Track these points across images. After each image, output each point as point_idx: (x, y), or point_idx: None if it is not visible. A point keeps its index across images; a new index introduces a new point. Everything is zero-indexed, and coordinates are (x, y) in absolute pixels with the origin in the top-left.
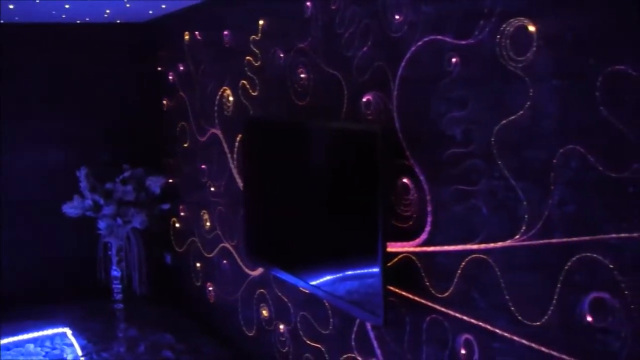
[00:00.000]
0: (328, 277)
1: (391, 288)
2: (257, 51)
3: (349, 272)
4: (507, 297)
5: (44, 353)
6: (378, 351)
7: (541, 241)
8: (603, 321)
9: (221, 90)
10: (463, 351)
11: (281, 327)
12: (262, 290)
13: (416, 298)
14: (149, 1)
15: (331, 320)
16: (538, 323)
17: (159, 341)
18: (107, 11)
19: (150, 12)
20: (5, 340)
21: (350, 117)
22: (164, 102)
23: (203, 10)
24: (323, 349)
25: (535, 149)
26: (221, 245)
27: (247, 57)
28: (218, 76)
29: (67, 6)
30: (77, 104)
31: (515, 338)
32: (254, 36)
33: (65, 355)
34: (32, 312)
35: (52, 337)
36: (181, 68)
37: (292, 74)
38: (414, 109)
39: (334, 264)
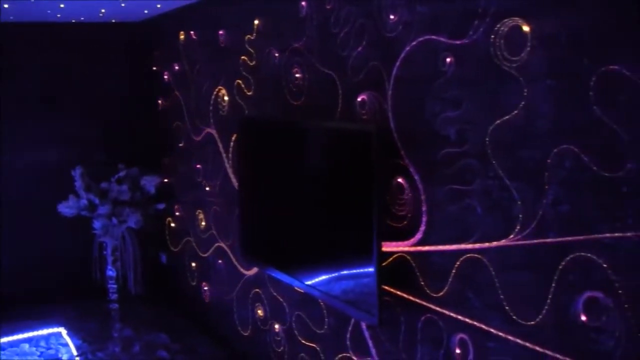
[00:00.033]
0: (323, 277)
1: (386, 287)
2: (252, 51)
3: (344, 272)
4: (501, 296)
5: (39, 353)
6: (373, 350)
7: (535, 241)
8: (597, 320)
9: (216, 89)
10: (458, 350)
11: (276, 326)
12: (257, 289)
13: (411, 297)
14: (144, 1)
15: (326, 319)
16: (532, 322)
17: (154, 341)
18: (102, 11)
19: (146, 11)
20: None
21: (345, 116)
22: (159, 101)
23: (198, 10)
24: (318, 349)
25: (529, 149)
26: (216, 244)
27: (242, 57)
28: (213, 76)
29: (62, 5)
30: (72, 103)
31: (510, 337)
32: (249, 36)
33: (60, 355)
34: (27, 311)
35: (47, 337)
36: (176, 68)
37: (287, 73)
38: (408, 108)
39: (329, 263)
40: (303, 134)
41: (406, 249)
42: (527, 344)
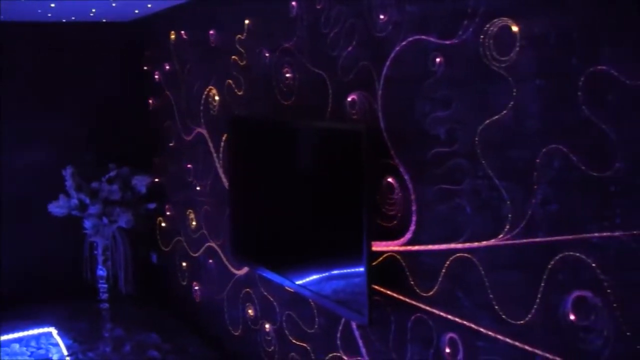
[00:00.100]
0: (314, 277)
1: (376, 287)
2: (242, 51)
3: (335, 272)
4: (491, 296)
5: (29, 353)
6: (363, 350)
7: (524, 240)
8: (586, 319)
9: (207, 89)
10: (447, 350)
11: (267, 326)
12: (248, 289)
13: (401, 297)
14: (134, 0)
15: (316, 319)
16: (522, 322)
17: (144, 341)
18: (93, 10)
19: (136, 11)
20: None
21: (336, 116)
22: (150, 101)
23: (189, 10)
24: (309, 348)
25: (518, 149)
26: (207, 244)
27: (233, 57)
28: (204, 75)
29: (52, 5)
30: (62, 103)
31: (499, 337)
32: (239, 36)
33: (50, 355)
34: (17, 311)
35: (37, 337)
36: (167, 67)
37: (277, 73)
38: (398, 108)
39: (319, 263)
40: (293, 133)
41: (396, 248)
42: (517, 343)
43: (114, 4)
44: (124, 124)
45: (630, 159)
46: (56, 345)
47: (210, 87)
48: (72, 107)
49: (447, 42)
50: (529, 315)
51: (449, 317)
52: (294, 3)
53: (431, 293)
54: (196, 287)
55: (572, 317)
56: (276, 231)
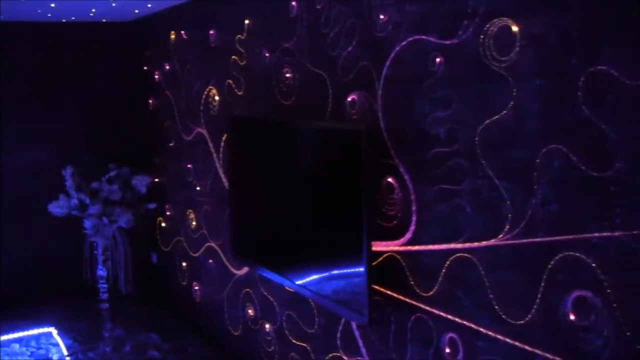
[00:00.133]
0: (314, 277)
1: (376, 287)
2: (242, 51)
3: (335, 272)
4: (491, 296)
5: (29, 353)
6: (363, 350)
7: (524, 240)
8: (586, 319)
9: (207, 89)
10: (447, 350)
11: (267, 326)
12: (248, 289)
13: (401, 297)
14: (134, 0)
15: (316, 319)
16: (522, 322)
17: (144, 341)
18: (93, 10)
19: (136, 11)
20: None
21: (336, 116)
22: (150, 101)
23: (189, 10)
24: (309, 348)
25: (518, 149)
26: (207, 244)
27: (233, 57)
28: (204, 75)
29: (52, 5)
30: (62, 103)
31: (499, 337)
32: (239, 36)
33: (50, 355)
34: (17, 311)
35: (37, 337)
36: (167, 67)
37: (277, 73)
38: (398, 108)
39: (319, 263)
40: (293, 133)
41: (396, 248)
42: (517, 343)
43: (113, 4)
44: (124, 124)
45: (630, 159)
46: (56, 345)
47: (210, 87)
48: (72, 107)
49: (447, 42)
50: (529, 315)
51: (449, 317)
52: (294, 3)
53: (431, 293)
54: (196, 287)
55: (572, 317)
56: (276, 231)
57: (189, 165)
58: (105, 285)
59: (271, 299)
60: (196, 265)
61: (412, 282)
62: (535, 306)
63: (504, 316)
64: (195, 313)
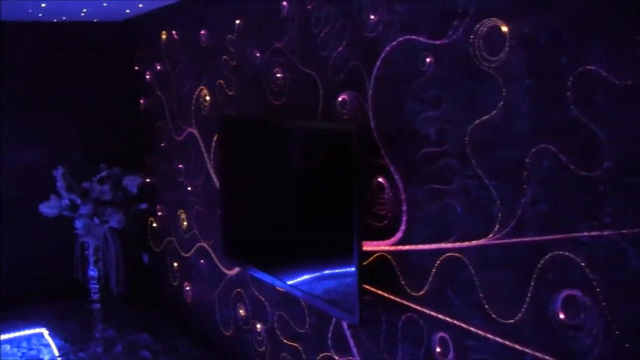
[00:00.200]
0: (305, 277)
1: (367, 287)
2: (233, 50)
3: (326, 272)
4: (481, 295)
5: (20, 354)
6: (354, 350)
7: (514, 240)
8: (575, 318)
9: (198, 89)
10: (438, 349)
11: (258, 326)
12: (239, 289)
13: (392, 297)
14: (125, 0)
15: (307, 319)
16: (512, 321)
17: (136, 341)
18: (84, 10)
19: (127, 11)
20: None
21: (326, 116)
22: (141, 101)
23: (180, 10)
24: (300, 348)
25: (508, 149)
26: (198, 244)
27: (224, 57)
28: (195, 75)
29: (43, 5)
30: (53, 103)
31: (489, 336)
32: (230, 36)
33: (42, 356)
34: (8, 312)
35: (28, 338)
36: (158, 67)
37: (268, 73)
38: (389, 108)
39: (311, 263)
40: (284, 133)
41: (387, 248)
42: (507, 342)
43: (105, 4)
44: (115, 124)
45: (619, 158)
46: (47, 346)
47: (201, 87)
48: (62, 107)
49: (437, 42)
50: (519, 315)
51: (440, 316)
52: (284, 3)
53: (422, 293)
54: (187, 288)
55: (561, 316)
56: (267, 231)
57: (180, 166)
58: (97, 286)
59: (262, 299)
60: (187, 265)
61: (402, 282)
62: (525, 305)
63: (494, 315)
64: (186, 313)
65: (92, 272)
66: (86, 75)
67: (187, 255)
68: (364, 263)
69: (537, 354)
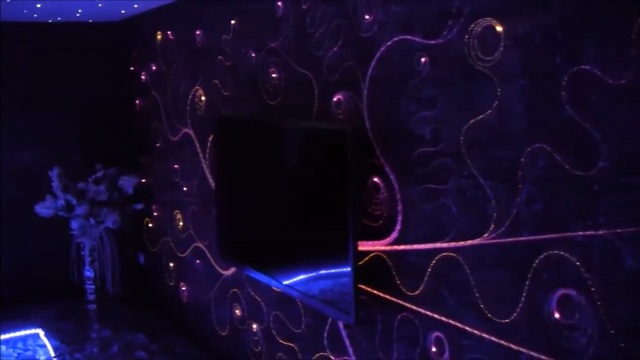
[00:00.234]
0: (301, 277)
1: (363, 287)
2: (228, 51)
3: (322, 272)
4: (476, 294)
5: (16, 354)
6: (350, 349)
7: (509, 239)
8: (570, 318)
9: (193, 89)
10: (434, 349)
11: (254, 326)
12: (235, 289)
13: (387, 296)
14: (121, 1)
15: (303, 319)
16: (507, 320)
17: (132, 341)
18: (79, 11)
19: (123, 11)
20: None
21: (321, 116)
22: (137, 101)
23: (175, 10)
24: (296, 348)
25: (503, 148)
26: (194, 245)
27: (219, 57)
28: (190, 76)
29: (38, 5)
30: (49, 103)
31: (485, 335)
32: (225, 36)
33: (38, 357)
34: (4, 313)
35: (24, 338)
36: (153, 68)
37: (263, 73)
38: (384, 108)
39: (306, 263)
40: (279, 133)
41: (382, 248)
42: (502, 342)
43: (100, 5)
44: (111, 124)
45: (614, 158)
46: (43, 346)
47: (197, 87)
48: (58, 108)
49: (432, 42)
50: (514, 314)
51: (435, 316)
52: (279, 3)
53: (417, 292)
54: (183, 288)
55: (556, 315)
56: (263, 231)
57: (175, 166)
58: (93, 286)
59: (258, 299)
60: (183, 265)
61: (398, 282)
62: (520, 305)
63: (489, 315)
64: (182, 313)
65: (88, 273)
66: (81, 76)
67: (183, 255)
68: (360, 263)
69: (532, 353)
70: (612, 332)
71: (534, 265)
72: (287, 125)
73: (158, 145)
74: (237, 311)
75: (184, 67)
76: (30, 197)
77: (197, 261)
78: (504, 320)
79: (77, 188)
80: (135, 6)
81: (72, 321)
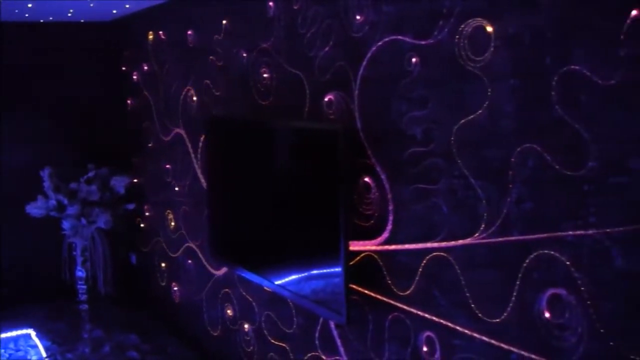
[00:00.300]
0: (293, 277)
1: (354, 287)
2: (220, 51)
3: (314, 272)
4: (467, 294)
5: (7, 355)
6: (341, 349)
7: (500, 239)
8: (560, 317)
9: (185, 89)
10: (425, 348)
11: (246, 326)
12: (226, 289)
13: (378, 296)
14: (112, 0)
15: (295, 319)
16: (497, 320)
17: (124, 342)
18: (71, 10)
19: (114, 11)
20: None
21: (313, 116)
22: (129, 101)
23: (167, 10)
24: (287, 348)
25: (493, 148)
26: (186, 245)
27: (211, 57)
28: (182, 76)
29: (29, 5)
30: (40, 103)
31: (476, 335)
32: (217, 36)
33: (29, 357)
34: None
35: (16, 339)
36: (145, 68)
37: (255, 73)
38: (375, 108)
39: (298, 263)
40: (271, 133)
41: (373, 248)
42: (493, 341)
43: (91, 4)
44: (103, 124)
45: (604, 158)
46: (35, 347)
47: (188, 87)
48: (49, 108)
49: (423, 43)
50: (505, 314)
51: (426, 315)
52: (271, 3)
53: (408, 292)
54: (175, 288)
55: (547, 314)
56: (255, 231)
57: (167, 166)
58: (84, 286)
59: (250, 299)
60: (175, 265)
61: (389, 282)
62: (510, 304)
63: (480, 314)
64: (174, 313)
65: (80, 273)
66: (73, 76)
67: (175, 255)
68: (351, 263)
69: (522, 352)
70: (601, 331)
71: (525, 264)
72: (279, 125)
73: (150, 145)
74: (228, 311)
75: (176, 67)
76: (22, 198)
77: (189, 261)
78: (494, 320)
79: (69, 188)
80: (127, 6)
81: (64, 321)
